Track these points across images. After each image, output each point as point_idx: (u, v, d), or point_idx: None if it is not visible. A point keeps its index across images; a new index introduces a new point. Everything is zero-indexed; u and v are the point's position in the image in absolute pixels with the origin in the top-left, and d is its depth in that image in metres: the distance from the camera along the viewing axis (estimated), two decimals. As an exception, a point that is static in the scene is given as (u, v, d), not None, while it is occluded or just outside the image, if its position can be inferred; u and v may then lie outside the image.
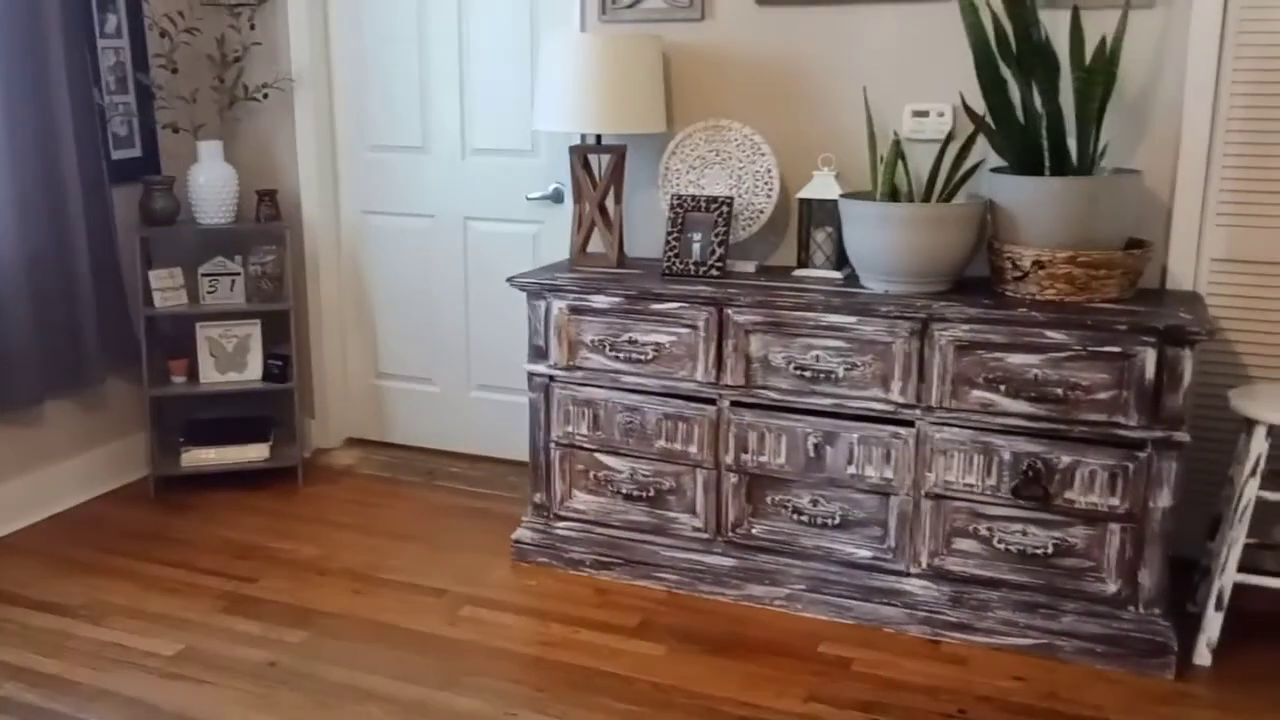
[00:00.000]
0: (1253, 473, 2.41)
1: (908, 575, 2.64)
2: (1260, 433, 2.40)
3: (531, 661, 2.55)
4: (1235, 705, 2.32)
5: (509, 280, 2.93)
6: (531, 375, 2.95)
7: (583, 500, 2.96)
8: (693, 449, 2.80)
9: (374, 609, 2.81)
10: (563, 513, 2.99)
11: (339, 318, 3.83)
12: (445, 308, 3.72)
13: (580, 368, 2.88)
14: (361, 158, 3.73)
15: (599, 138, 3.07)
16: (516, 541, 3.04)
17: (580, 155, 3.06)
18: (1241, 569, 2.48)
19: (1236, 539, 2.43)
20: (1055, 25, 2.68)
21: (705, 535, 2.84)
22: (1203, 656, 2.47)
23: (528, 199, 3.48)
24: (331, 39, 3.66)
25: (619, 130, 2.95)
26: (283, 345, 3.61)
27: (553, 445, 2.96)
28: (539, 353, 2.93)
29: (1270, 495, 2.45)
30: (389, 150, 3.69)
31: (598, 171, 3.08)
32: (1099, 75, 2.54)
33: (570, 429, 2.93)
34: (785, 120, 3.08)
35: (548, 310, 2.89)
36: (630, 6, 3.16)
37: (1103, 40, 2.55)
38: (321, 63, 3.64)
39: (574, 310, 2.85)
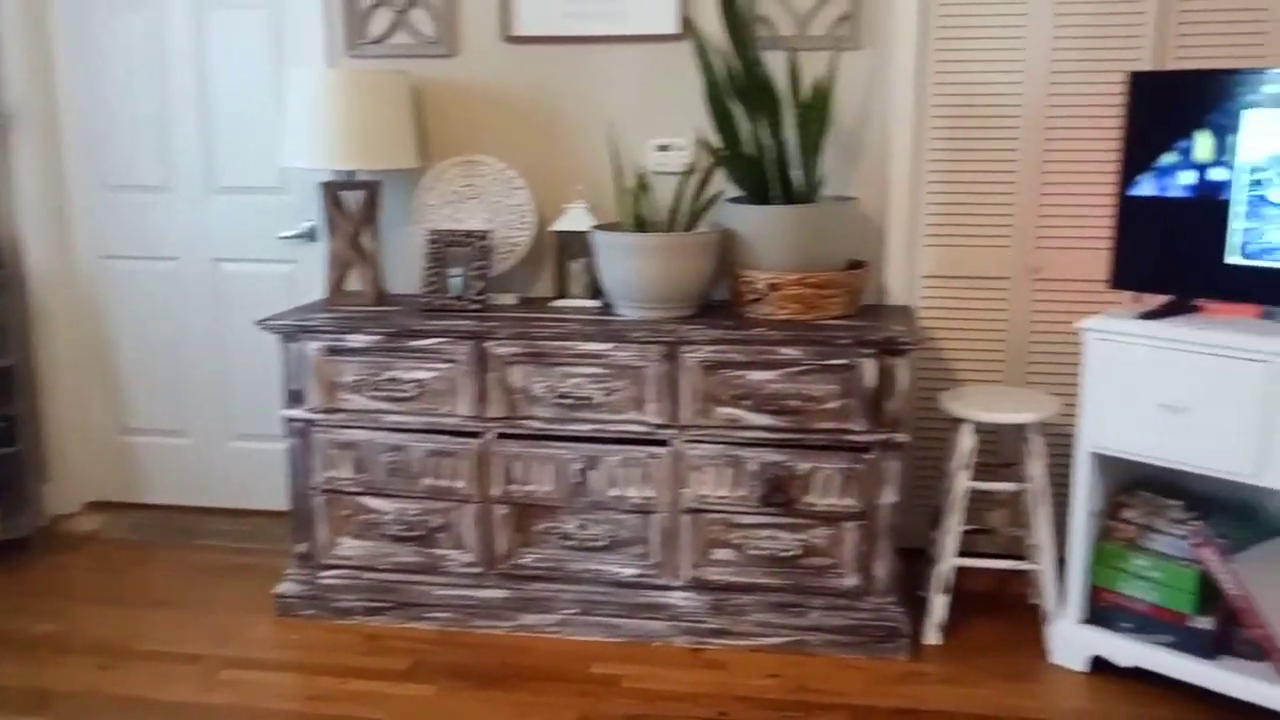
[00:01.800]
0: (963, 466, 2.91)
1: (671, 589, 2.99)
2: (967, 430, 2.91)
3: (295, 718, 2.71)
4: (961, 678, 2.79)
5: (259, 323, 3.10)
6: (289, 420, 3.12)
7: (349, 546, 3.14)
8: (460, 484, 3.05)
9: (122, 684, 2.86)
10: (329, 561, 3.16)
11: (76, 371, 3.86)
12: (197, 355, 3.82)
13: (340, 410, 3.07)
14: (96, 198, 3.80)
15: (351, 174, 3.30)
16: (280, 596, 3.19)
17: (331, 192, 3.28)
18: (960, 554, 2.98)
19: (953, 527, 2.93)
20: (778, 65, 3.14)
21: (477, 569, 3.09)
22: (932, 637, 2.95)
23: (280, 238, 3.66)
24: (56, 69, 3.72)
25: (370, 166, 3.19)
26: (7, 404, 3.62)
27: (315, 492, 3.13)
28: (295, 397, 3.10)
29: (980, 485, 2.96)
30: (127, 189, 3.78)
31: (352, 208, 3.31)
32: (815, 111, 3.02)
33: (333, 474, 3.11)
34: (538, 155, 3.41)
35: (303, 352, 3.07)
36: (377, 42, 3.42)
37: (817, 79, 3.04)
38: (44, 95, 3.68)
39: (331, 351, 3.05)
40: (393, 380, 3.03)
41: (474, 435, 3.01)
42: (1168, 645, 2.69)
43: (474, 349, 2.96)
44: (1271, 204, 2.53)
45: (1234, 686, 2.58)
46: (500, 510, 3.02)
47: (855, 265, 3.08)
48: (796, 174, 3.06)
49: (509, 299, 3.29)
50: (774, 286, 2.94)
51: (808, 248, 2.93)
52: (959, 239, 3.26)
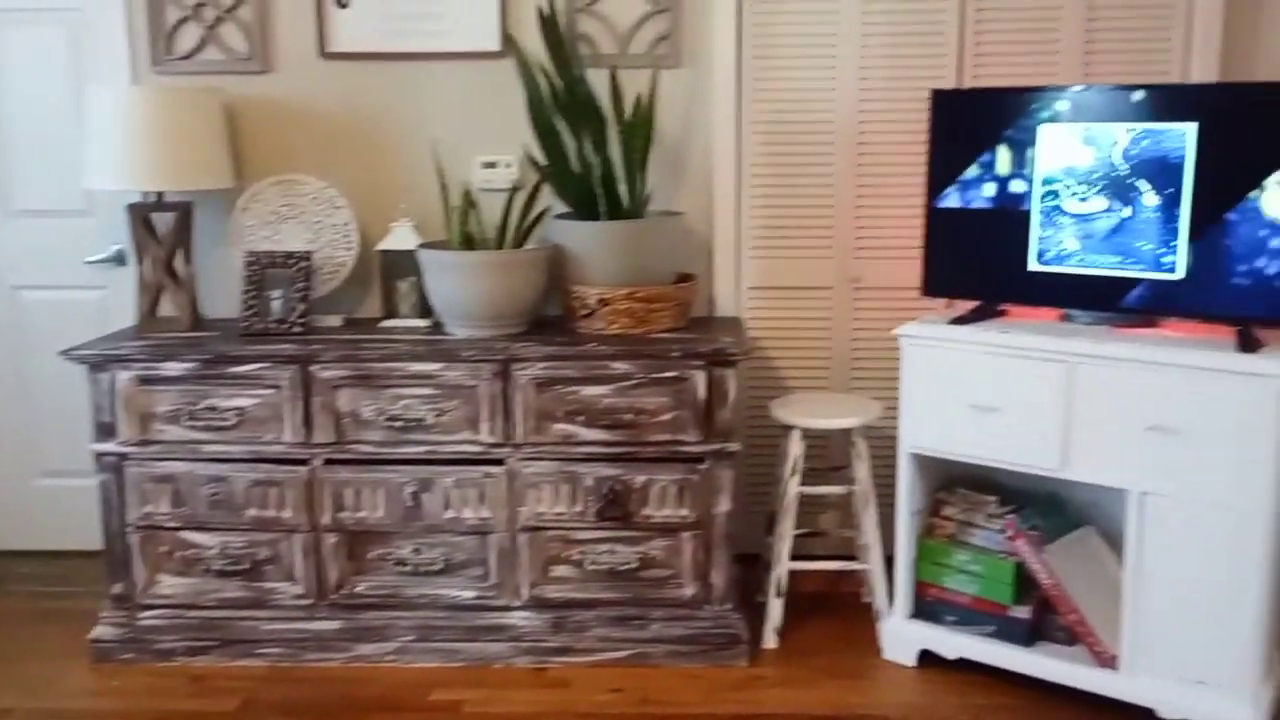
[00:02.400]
0: (793, 472, 3.04)
1: (511, 609, 3.02)
2: (796, 436, 3.04)
3: (119, 766, 2.66)
4: (798, 679, 2.92)
5: (63, 353, 2.99)
6: (99, 455, 3.02)
7: (170, 584, 3.06)
8: (287, 513, 3.00)
9: (-84, 750, 2.76)
10: (148, 601, 3.07)
11: None
12: (-7, 389, 3.74)
13: (155, 441, 2.99)
14: (-127, 226, 3.66)
15: (160, 195, 3.21)
16: (95, 641, 3.07)
17: (140, 214, 3.19)
18: (794, 558, 3.11)
19: (786, 532, 3.06)
20: (601, 82, 3.22)
21: (307, 601, 3.05)
22: (770, 640, 3.06)
23: (87, 263, 3.54)
24: None
25: (180, 187, 3.12)
26: None
27: (130, 529, 3.04)
28: (106, 430, 3.01)
29: (809, 490, 3.11)
30: (-93, 216, 3.67)
31: (163, 231, 3.21)
32: (639, 128, 3.12)
33: (149, 509, 3.02)
34: (361, 173, 3.39)
35: (113, 382, 2.98)
36: (186, 58, 3.35)
37: (639, 96, 3.14)
38: None
39: (143, 380, 2.97)
40: (211, 409, 2.96)
41: (300, 463, 2.97)
42: (989, 635, 2.87)
43: (297, 373, 2.93)
44: (1066, 213, 2.75)
45: (1051, 671, 2.78)
46: (330, 538, 2.99)
47: (684, 278, 3.19)
48: (623, 190, 3.15)
49: (334, 321, 3.26)
50: (604, 301, 3.01)
51: (636, 262, 3.02)
52: (782, 251, 3.41)
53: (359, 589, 3.02)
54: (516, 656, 2.99)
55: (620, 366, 2.89)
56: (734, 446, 2.92)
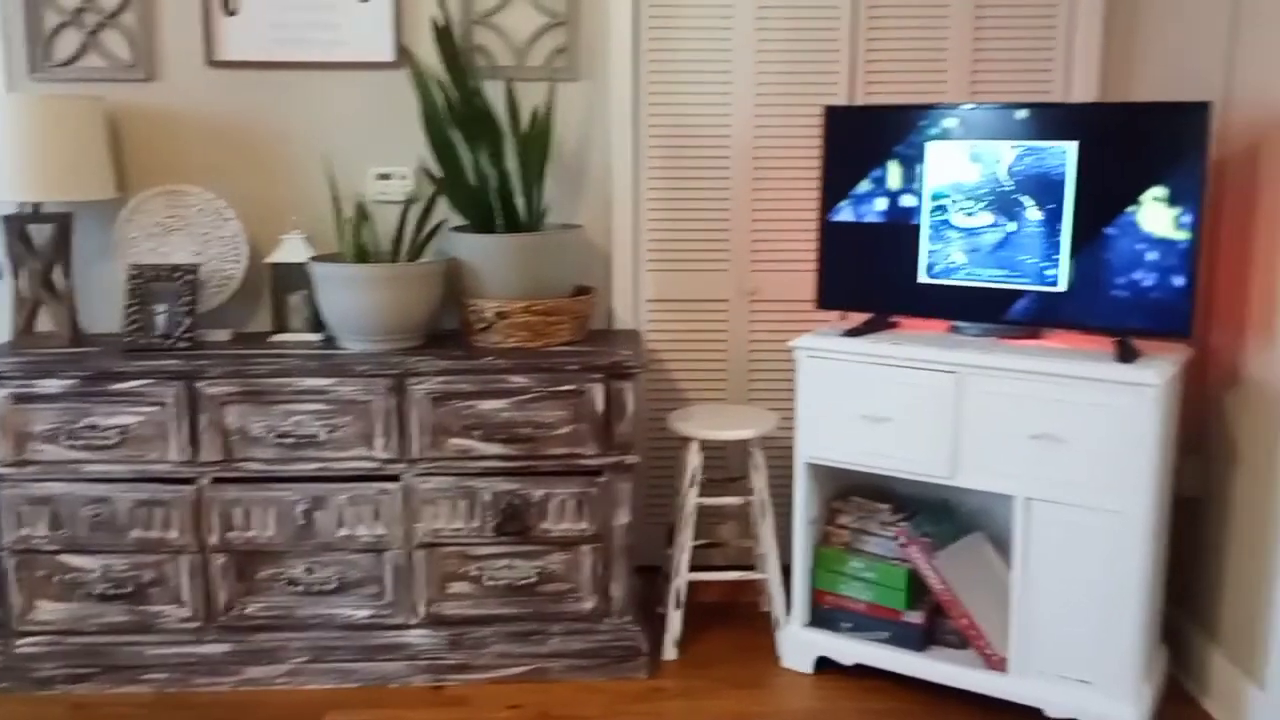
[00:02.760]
0: (692, 483, 3.07)
1: (407, 627, 2.98)
2: (694, 448, 3.07)
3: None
4: (698, 690, 2.94)
5: (-66, 371, 2.93)
6: (-27, 476, 2.96)
7: (49, 610, 2.95)
8: (173, 534, 2.93)
9: None
10: (25, 628, 2.96)
11: None
12: None
13: (32, 462, 2.89)
14: None
15: (37, 206, 3.10)
16: (-31, 669, 3.01)
17: (16, 226, 3.08)
18: (694, 569, 3.15)
19: (685, 543, 3.09)
20: (497, 95, 3.22)
21: (195, 624, 2.97)
22: (670, 652, 3.09)
23: (-46, 276, 3.45)
24: None
25: (58, 197, 3.01)
26: None
27: (5, 554, 2.93)
28: (-20, 449, 2.96)
29: (707, 501, 3.14)
30: None
31: (40, 243, 3.10)
32: (536, 140, 3.13)
33: (26, 532, 2.91)
34: (251, 184, 3.32)
35: (-12, 400, 2.94)
36: (65, 64, 3.24)
37: (535, 109, 3.15)
38: None
39: (18, 399, 2.86)
40: (92, 427, 2.87)
41: (187, 482, 2.90)
42: (884, 641, 2.94)
43: (183, 390, 2.86)
44: (954, 227, 2.84)
45: (943, 674, 2.86)
46: (219, 559, 2.92)
47: (582, 291, 3.20)
48: (520, 202, 3.15)
49: (222, 335, 3.19)
50: (502, 315, 3.00)
51: (534, 275, 3.02)
52: (680, 264, 3.44)
53: (249, 610, 2.96)
54: (413, 675, 2.95)
55: (518, 380, 2.89)
56: (633, 459, 2.94)
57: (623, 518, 2.95)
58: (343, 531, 2.93)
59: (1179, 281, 2.57)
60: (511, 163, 3.14)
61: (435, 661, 2.96)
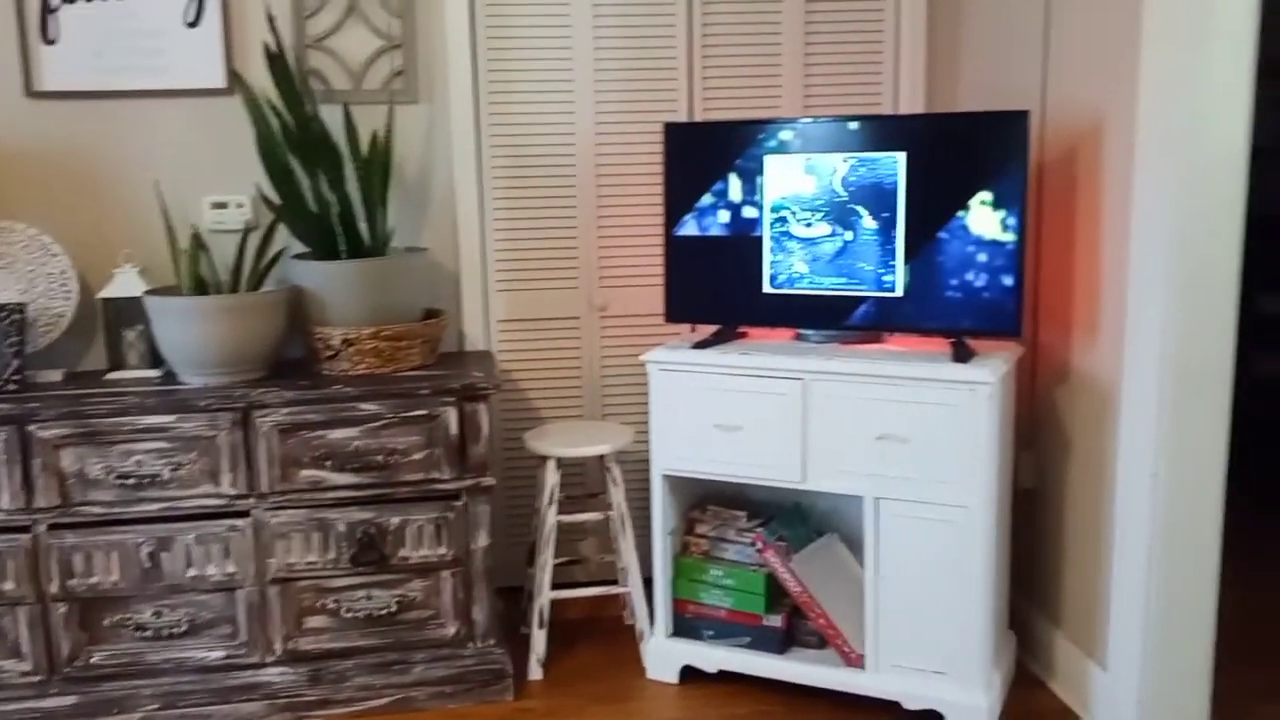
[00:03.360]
0: (550, 501, 3.08)
1: (264, 666, 2.91)
2: (551, 466, 3.08)
3: None
4: (564, 707, 2.93)
5: None
6: None
7: (-126, 673, 2.85)
8: (9, 585, 2.79)
9: None
10: None
11: None
12: None
13: None
14: None
15: None
16: None
17: None
18: (556, 586, 3.16)
19: (547, 562, 3.08)
20: (335, 119, 3.17)
21: (37, 678, 2.83)
22: (535, 672, 3.08)
23: None
24: None
25: None
26: None
27: None
28: None
29: (566, 518, 3.15)
30: None
31: None
32: (376, 164, 3.10)
33: None
34: (78, 218, 3.21)
35: None
36: None
37: (374, 133, 3.12)
38: None
39: None
40: (-85, 478, 2.78)
41: (21, 530, 2.77)
42: (745, 646, 2.99)
43: (14, 434, 2.73)
44: (794, 238, 2.92)
45: (805, 674, 2.92)
46: (60, 609, 2.80)
47: (431, 315, 3.18)
48: (364, 227, 3.11)
49: (54, 376, 3.06)
50: (348, 342, 2.96)
51: (381, 300, 2.98)
52: (529, 283, 3.45)
53: (95, 660, 2.84)
54: (272, 715, 2.88)
55: (369, 407, 2.85)
56: (490, 481, 2.93)
57: (482, 540, 2.93)
58: (191, 572, 2.84)
59: (1008, 281, 2.70)
60: (353, 187, 3.11)
61: (295, 699, 2.88)
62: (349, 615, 2.91)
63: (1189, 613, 2.63)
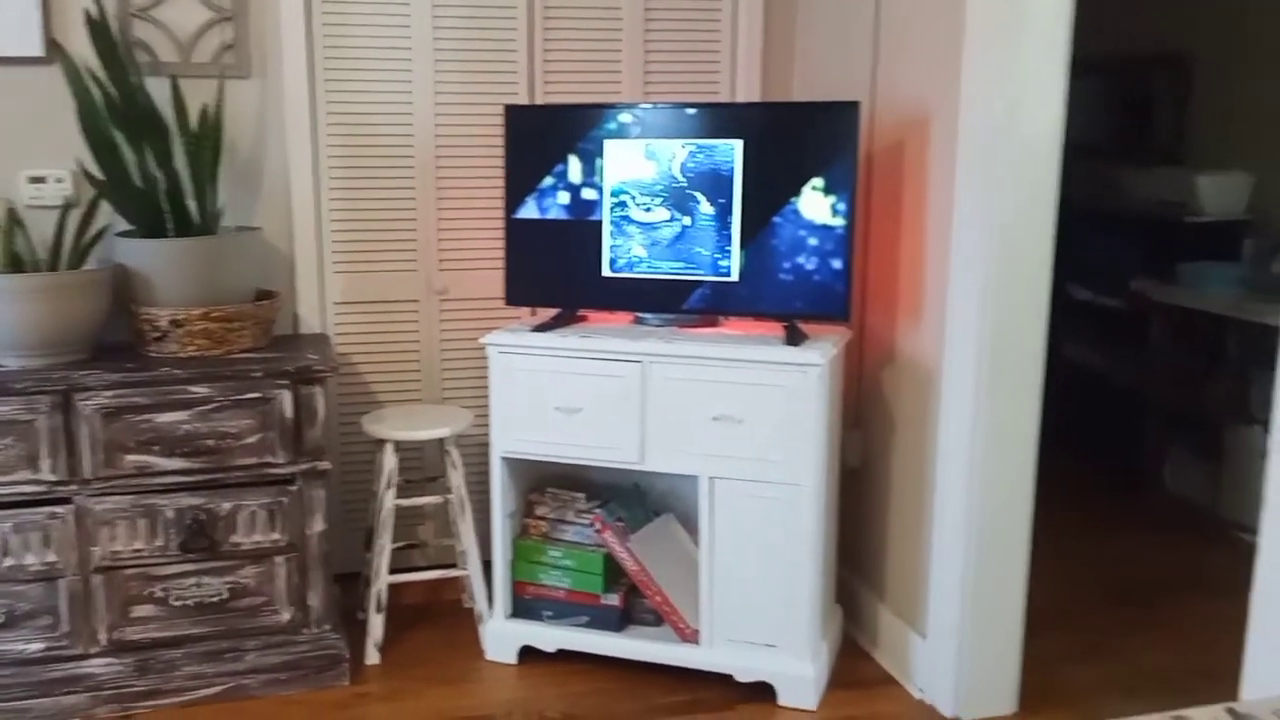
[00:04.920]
0: (388, 485, 3.06)
1: (88, 657, 2.82)
2: (389, 449, 3.07)
3: None
4: (402, 691, 2.94)
5: None
6: None
7: None
8: None
9: None
10: None
11: None
12: None
13: None
14: None
15: None
16: None
17: None
18: (395, 571, 3.15)
19: (384, 546, 3.07)
20: (162, 93, 3.08)
21: None
22: (372, 656, 3.07)
23: None
24: None
25: None
26: None
27: None
28: None
29: (404, 502, 3.14)
30: None
31: None
32: (206, 140, 3.02)
33: None
34: (-124, 189, 3.09)
35: None
36: None
37: (204, 107, 3.04)
38: None
39: None
40: None
41: None
42: (584, 625, 3.05)
43: None
44: (633, 222, 2.97)
45: (642, 651, 2.99)
46: None
47: (265, 296, 3.12)
48: (192, 205, 3.02)
49: None
50: (177, 323, 2.87)
51: (211, 280, 2.91)
52: (367, 265, 3.42)
53: (-99, 657, 2.77)
54: (97, 707, 2.79)
55: (199, 390, 2.78)
56: (325, 465, 2.90)
57: (318, 525, 2.90)
58: (8, 562, 2.73)
59: (837, 264, 2.81)
60: (181, 164, 3.02)
61: (121, 690, 2.81)
62: (178, 603, 2.84)
63: (1002, 583, 2.80)
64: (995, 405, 2.68)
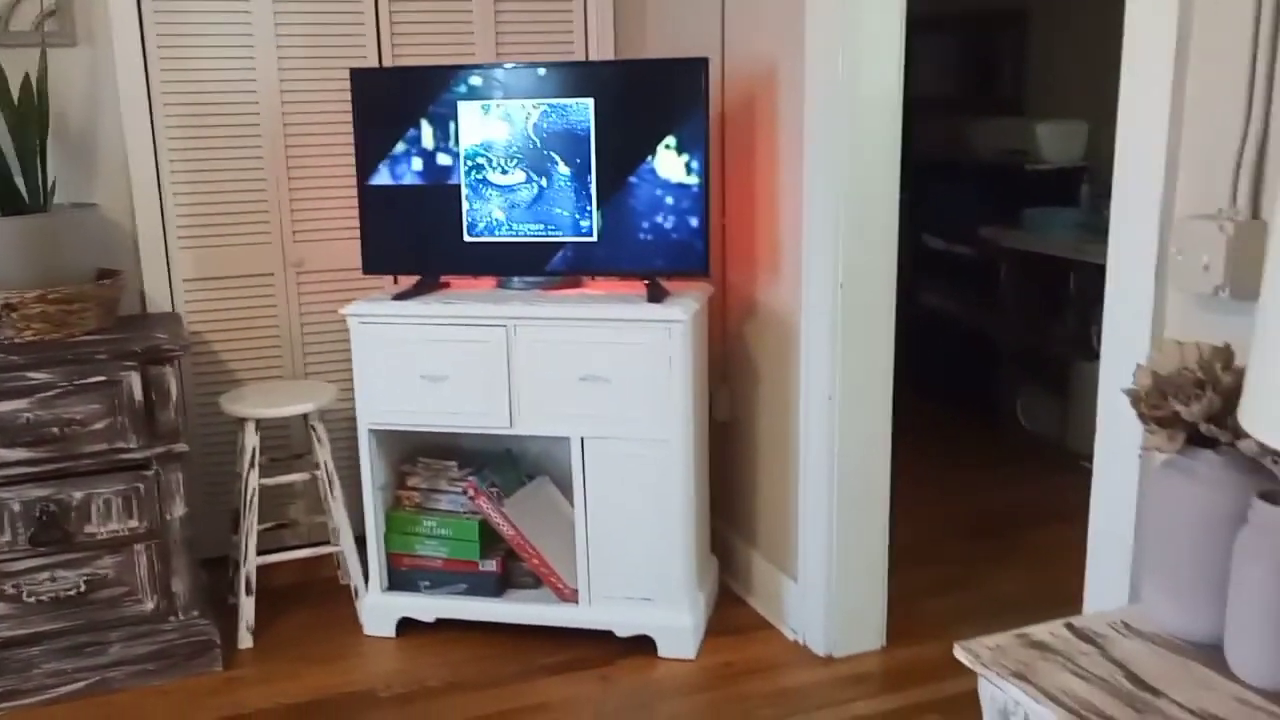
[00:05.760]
0: (251, 465, 2.98)
1: (-63, 662, 2.73)
2: (250, 428, 2.97)
3: None
4: (278, 673, 2.87)
5: None
6: None
7: None
8: None
9: None
10: None
11: None
12: None
13: None
14: None
15: None
16: None
17: None
18: (266, 551, 3.07)
19: (251, 527, 2.99)
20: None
21: None
22: (245, 640, 2.99)
23: None
24: None
25: None
26: None
27: None
28: None
29: (269, 481, 3.06)
30: None
31: None
32: (31, 112, 2.85)
33: None
34: None
35: None
36: None
37: (27, 77, 2.84)
38: None
39: None
40: None
41: None
42: (463, 593, 3.01)
43: None
44: (491, 185, 2.92)
45: (522, 614, 2.98)
46: None
47: (107, 275, 2.98)
48: (20, 182, 2.85)
49: None
50: (10, 307, 2.71)
51: (46, 261, 2.77)
52: (217, 239, 3.29)
53: None
54: (-50, 714, 2.72)
55: (39, 376, 2.64)
56: (182, 448, 2.79)
57: (178, 510, 2.79)
58: None
59: (694, 222, 2.81)
60: (4, 139, 2.85)
61: (-25, 694, 2.74)
62: (32, 599, 2.71)
63: (866, 524, 2.87)
64: (851, 353, 2.73)
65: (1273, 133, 1.53)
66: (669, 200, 2.81)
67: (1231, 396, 1.38)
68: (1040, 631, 1.50)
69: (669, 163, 2.81)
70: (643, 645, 2.88)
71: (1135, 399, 1.50)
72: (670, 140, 2.79)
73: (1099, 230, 4.41)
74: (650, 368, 2.74)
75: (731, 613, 3.11)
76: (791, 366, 2.90)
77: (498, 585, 2.99)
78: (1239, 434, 1.42)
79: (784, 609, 3.01)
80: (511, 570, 3.03)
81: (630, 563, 2.86)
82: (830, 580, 2.83)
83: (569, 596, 2.94)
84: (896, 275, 2.77)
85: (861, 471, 2.80)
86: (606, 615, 2.90)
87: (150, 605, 2.82)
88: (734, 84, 3.08)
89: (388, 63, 3.33)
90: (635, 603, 2.88)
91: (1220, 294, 1.58)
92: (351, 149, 3.23)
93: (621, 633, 2.89)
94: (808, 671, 2.82)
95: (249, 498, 2.98)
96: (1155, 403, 1.47)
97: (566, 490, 3.08)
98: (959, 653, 1.45)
